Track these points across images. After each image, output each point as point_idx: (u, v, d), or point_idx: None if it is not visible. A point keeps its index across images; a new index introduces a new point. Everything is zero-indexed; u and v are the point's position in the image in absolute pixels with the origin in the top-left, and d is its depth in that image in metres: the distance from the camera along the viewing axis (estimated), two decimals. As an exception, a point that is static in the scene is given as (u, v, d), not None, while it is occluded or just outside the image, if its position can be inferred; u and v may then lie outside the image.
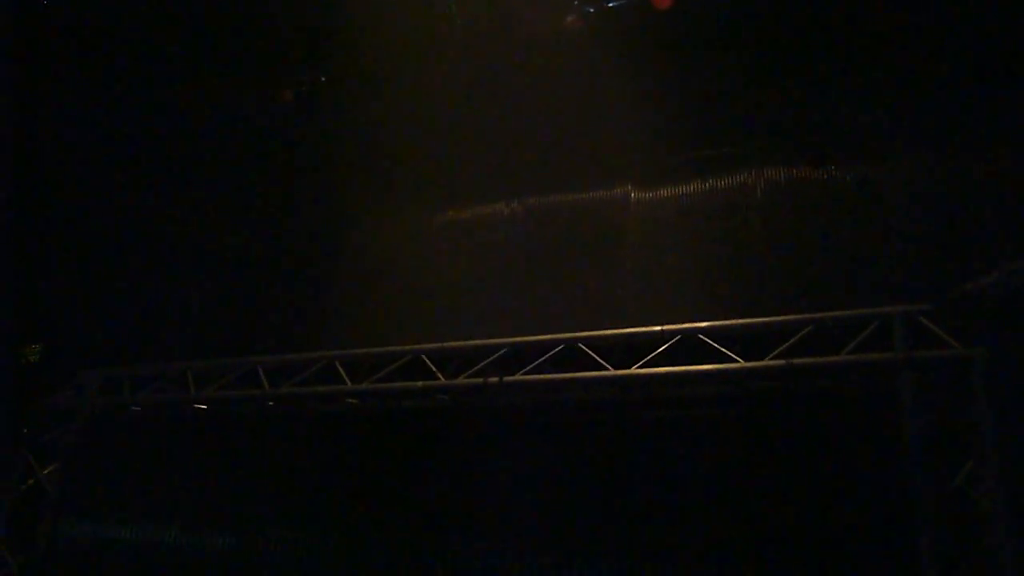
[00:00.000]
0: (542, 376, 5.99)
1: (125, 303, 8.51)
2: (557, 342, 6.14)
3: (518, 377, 6.03)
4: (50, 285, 8.84)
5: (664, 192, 6.90)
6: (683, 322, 5.88)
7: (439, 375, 6.34)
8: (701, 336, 5.73)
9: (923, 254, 5.74)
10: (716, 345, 5.62)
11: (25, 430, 7.81)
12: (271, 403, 7.03)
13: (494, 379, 6.06)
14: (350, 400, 6.86)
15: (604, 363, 5.83)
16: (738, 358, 5.47)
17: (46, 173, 9.03)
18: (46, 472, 7.67)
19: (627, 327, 6.06)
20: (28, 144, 8.84)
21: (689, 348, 5.76)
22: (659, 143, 6.92)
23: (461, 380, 6.23)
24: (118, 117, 8.94)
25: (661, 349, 5.79)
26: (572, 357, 6.09)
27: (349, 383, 6.65)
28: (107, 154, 9.02)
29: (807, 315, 5.55)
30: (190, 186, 8.52)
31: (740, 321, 5.74)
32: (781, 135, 6.55)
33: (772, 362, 5.34)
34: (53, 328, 8.74)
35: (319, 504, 6.98)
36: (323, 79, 8.38)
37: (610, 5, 7.22)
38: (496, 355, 6.25)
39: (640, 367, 5.70)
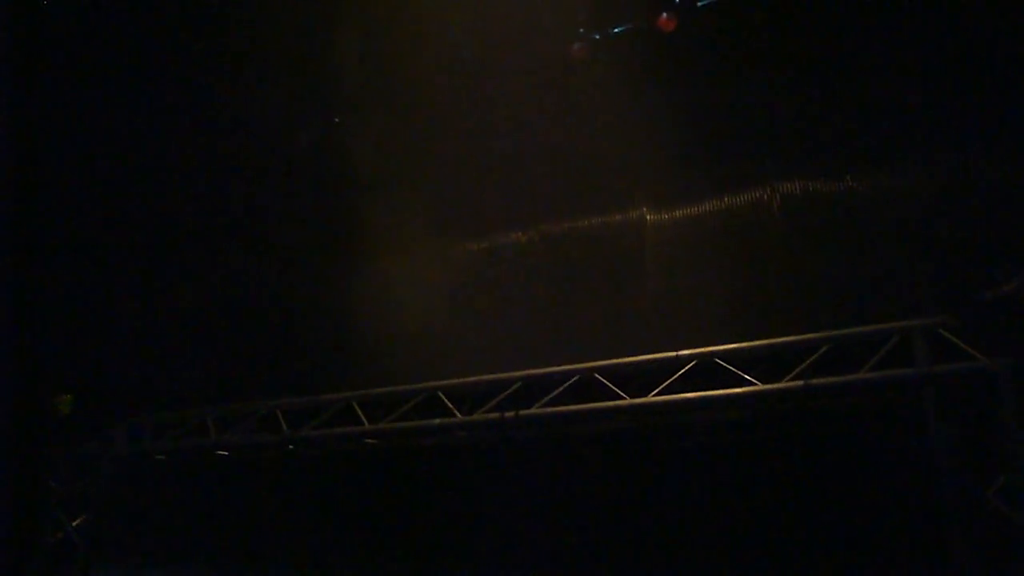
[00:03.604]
0: (558, 408, 5.92)
1: (147, 351, 8.58)
2: (572, 372, 6.07)
3: (534, 411, 5.97)
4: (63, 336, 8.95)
5: (679, 213, 6.81)
6: (702, 345, 5.77)
7: (456, 412, 6.30)
8: (718, 360, 5.64)
9: (941, 265, 5.59)
10: (733, 369, 5.52)
11: (52, 483, 7.89)
12: (291, 446, 7.04)
13: (511, 413, 6.01)
14: (369, 440, 6.85)
15: (620, 392, 5.76)
16: (756, 381, 5.36)
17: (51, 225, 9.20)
18: (75, 524, 7.73)
19: (645, 353, 5.98)
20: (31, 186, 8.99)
21: (707, 372, 5.67)
22: (673, 163, 6.84)
23: (478, 416, 6.19)
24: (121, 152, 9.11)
25: (678, 375, 5.70)
26: (589, 387, 6.02)
27: (367, 423, 6.64)
28: (119, 202, 9.18)
29: (824, 333, 5.42)
30: (204, 235, 8.61)
31: (757, 343, 5.62)
32: (797, 148, 6.44)
33: (790, 383, 5.22)
34: (81, 378, 8.82)
35: (344, 546, 6.95)
36: (336, 120, 8.45)
37: (615, 31, 7.23)
38: (511, 388, 6.20)
39: (656, 394, 5.61)
